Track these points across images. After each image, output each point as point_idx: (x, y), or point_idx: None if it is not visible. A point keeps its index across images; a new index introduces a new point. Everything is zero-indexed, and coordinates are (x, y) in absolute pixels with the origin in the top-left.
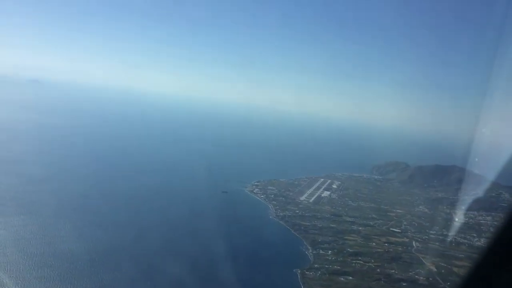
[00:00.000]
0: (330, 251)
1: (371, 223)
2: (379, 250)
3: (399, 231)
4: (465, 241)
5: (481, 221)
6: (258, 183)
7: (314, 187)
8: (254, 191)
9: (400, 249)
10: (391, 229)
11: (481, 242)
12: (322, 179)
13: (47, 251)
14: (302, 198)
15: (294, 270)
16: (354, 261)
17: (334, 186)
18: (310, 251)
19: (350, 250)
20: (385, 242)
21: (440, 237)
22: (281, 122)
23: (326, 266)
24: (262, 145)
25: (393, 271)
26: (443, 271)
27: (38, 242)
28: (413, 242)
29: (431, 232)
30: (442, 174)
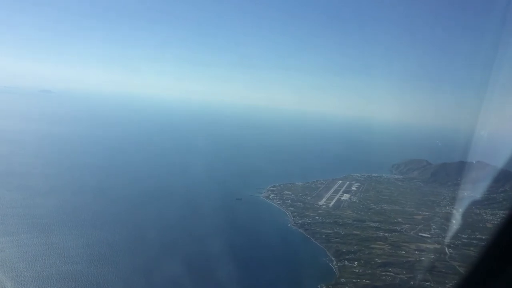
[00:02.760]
0: (356, 262)
1: (397, 228)
2: (410, 259)
3: (429, 236)
4: None
5: None
6: (273, 188)
7: (332, 190)
8: (270, 196)
9: (432, 257)
10: (420, 234)
11: None
12: (340, 181)
13: (51, 274)
14: (321, 202)
15: (319, 286)
16: (384, 273)
17: (354, 188)
18: (334, 262)
19: (378, 261)
20: (415, 250)
21: (474, 241)
22: (286, 121)
23: (354, 280)
24: (271, 147)
25: (428, 283)
26: None
27: (41, 264)
28: (446, 249)
29: (463, 236)
30: (466, 171)
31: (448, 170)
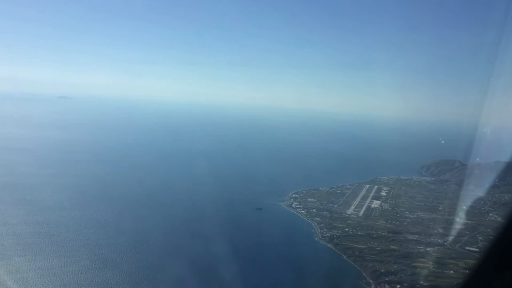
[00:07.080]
0: (398, 286)
1: (439, 241)
2: (461, 281)
3: (477, 250)
4: None
5: None
6: (296, 195)
7: (360, 196)
8: (293, 205)
9: None
10: (467, 248)
11: None
12: (367, 185)
13: None
14: (349, 211)
15: None
16: None
17: (383, 193)
18: (373, 286)
19: (424, 284)
20: (465, 268)
21: None
22: (292, 121)
23: None
24: (284, 148)
25: None
26: None
27: None
28: None
29: None
30: (504, 171)
31: (484, 171)
